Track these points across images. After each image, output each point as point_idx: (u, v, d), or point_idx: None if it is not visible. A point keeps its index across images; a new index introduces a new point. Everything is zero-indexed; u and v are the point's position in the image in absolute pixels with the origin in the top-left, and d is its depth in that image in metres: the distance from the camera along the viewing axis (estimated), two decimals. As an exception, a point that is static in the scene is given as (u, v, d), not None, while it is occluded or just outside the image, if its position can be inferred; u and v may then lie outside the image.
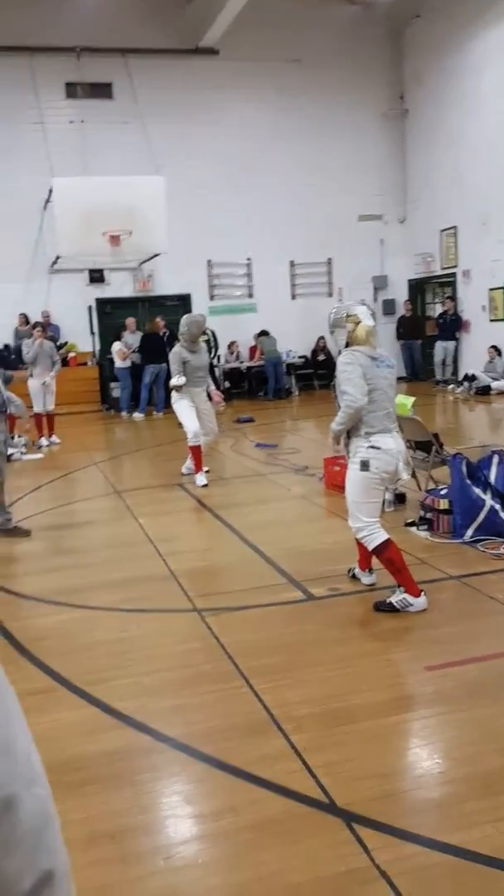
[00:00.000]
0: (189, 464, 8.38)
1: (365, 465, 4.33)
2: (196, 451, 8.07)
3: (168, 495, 7.85)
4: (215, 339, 15.59)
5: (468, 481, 5.65)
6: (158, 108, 15.93)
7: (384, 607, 4.35)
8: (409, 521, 6.06)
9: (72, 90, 15.84)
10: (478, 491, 5.63)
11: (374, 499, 4.44)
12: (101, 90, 16.04)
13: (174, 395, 8.15)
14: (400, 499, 6.69)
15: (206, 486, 7.88)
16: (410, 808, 2.63)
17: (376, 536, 4.38)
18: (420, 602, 4.31)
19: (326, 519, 6.62)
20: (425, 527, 5.85)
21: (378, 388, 4.34)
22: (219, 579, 5.18)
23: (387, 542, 4.37)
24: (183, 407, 8.09)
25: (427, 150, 17.25)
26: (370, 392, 4.29)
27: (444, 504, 5.77)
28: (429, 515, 5.87)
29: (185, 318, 8.18)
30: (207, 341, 15.37)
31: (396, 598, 4.33)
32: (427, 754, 2.99)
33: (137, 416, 14.61)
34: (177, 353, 7.98)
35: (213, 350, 15.54)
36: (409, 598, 4.31)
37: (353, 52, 17.41)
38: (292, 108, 17.09)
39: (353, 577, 4.93)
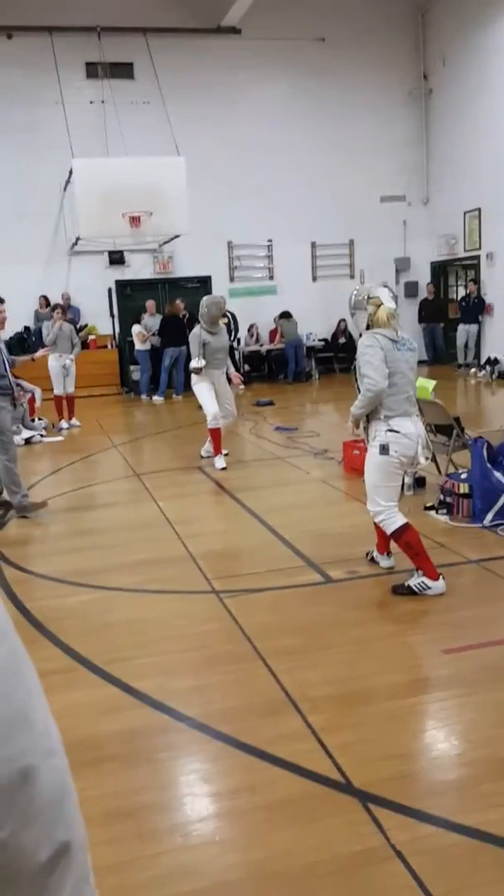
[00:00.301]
0: (208, 446, 8.40)
1: (384, 449, 4.29)
2: (215, 434, 8.08)
3: (187, 478, 7.87)
4: (235, 322, 15.56)
5: (489, 465, 5.62)
6: (180, 89, 15.83)
7: (402, 590, 4.34)
8: (429, 504, 6.03)
9: (92, 70, 15.76)
10: (498, 475, 5.59)
11: (392, 482, 4.41)
12: (121, 70, 15.95)
13: (194, 377, 8.15)
14: (420, 483, 6.66)
15: (224, 468, 7.90)
16: (427, 790, 2.63)
17: (395, 520, 4.36)
18: (438, 585, 4.30)
19: (345, 502, 6.61)
20: (445, 511, 5.82)
21: (398, 371, 4.30)
22: (237, 561, 5.19)
23: (405, 526, 4.36)
24: (202, 389, 8.10)
25: (451, 131, 17.03)
26: (390, 375, 4.26)
27: (464, 488, 5.74)
28: (448, 499, 5.85)
29: (205, 300, 8.16)
30: (227, 324, 15.39)
31: (415, 582, 4.33)
32: (444, 736, 2.99)
33: (157, 398, 14.65)
34: (197, 335, 7.98)
35: (232, 332, 15.51)
36: (428, 582, 4.30)
37: (378, 30, 17.18)
38: (315, 87, 16.93)
39: (372, 560, 4.93)
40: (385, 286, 4.64)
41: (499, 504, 5.55)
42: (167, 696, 3.35)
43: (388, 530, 4.41)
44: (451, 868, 2.24)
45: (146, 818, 2.56)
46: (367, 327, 4.44)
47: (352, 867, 2.27)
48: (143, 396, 15.02)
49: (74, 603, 4.58)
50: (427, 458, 4.74)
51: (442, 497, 5.92)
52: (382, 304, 4.40)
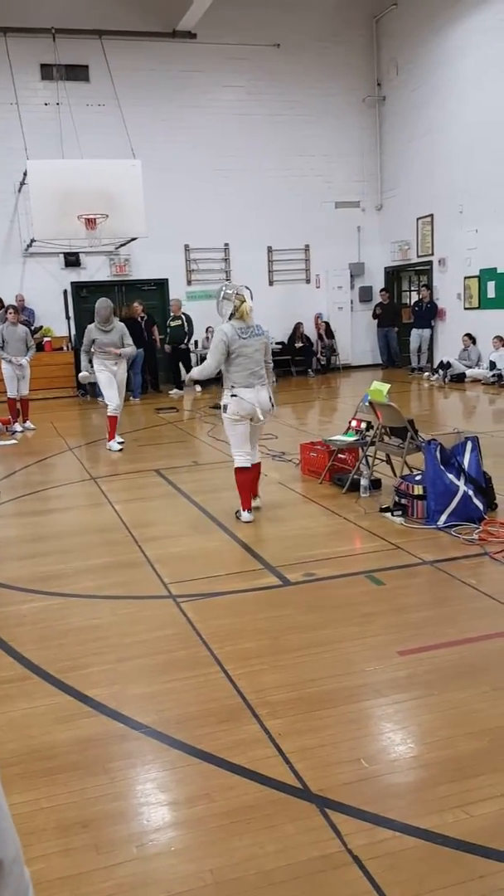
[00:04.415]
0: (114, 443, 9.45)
1: (225, 409, 5.95)
2: (114, 421, 9.52)
3: (144, 481, 7.82)
4: (190, 324, 15.51)
5: (442, 467, 5.68)
6: (136, 92, 15.76)
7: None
8: (385, 506, 6.08)
9: (47, 72, 15.61)
10: (451, 477, 5.65)
11: (235, 432, 5.99)
12: (77, 72, 15.83)
13: (95, 369, 9.36)
14: (375, 484, 6.71)
15: (121, 450, 9.31)
16: (384, 793, 2.63)
17: (236, 462, 6.06)
18: (245, 515, 5.98)
19: (303, 504, 6.62)
20: (400, 512, 5.87)
21: (243, 354, 5.81)
22: (195, 565, 5.16)
23: (238, 469, 6.03)
24: (105, 379, 9.43)
25: (403, 138, 17.24)
26: (237, 357, 5.80)
27: (418, 490, 5.79)
28: (403, 501, 5.89)
29: (98, 302, 9.44)
30: (181, 325, 15.39)
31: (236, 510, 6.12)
32: (400, 739, 3.00)
33: (104, 401, 14.51)
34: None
35: (187, 335, 15.48)
36: (240, 511, 6.01)
37: (333, 37, 17.34)
38: (271, 92, 17.01)
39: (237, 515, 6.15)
40: (246, 288, 6.20)
41: (452, 505, 5.61)
42: (123, 703, 3.32)
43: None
44: (408, 872, 2.24)
45: (102, 828, 2.53)
46: (231, 315, 5.85)
47: (309, 873, 2.26)
48: (100, 399, 14.84)
49: (28, 610, 4.51)
50: (263, 417, 6.03)
51: (397, 499, 5.96)
52: (245, 300, 5.86)
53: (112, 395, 9.38)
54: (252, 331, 5.88)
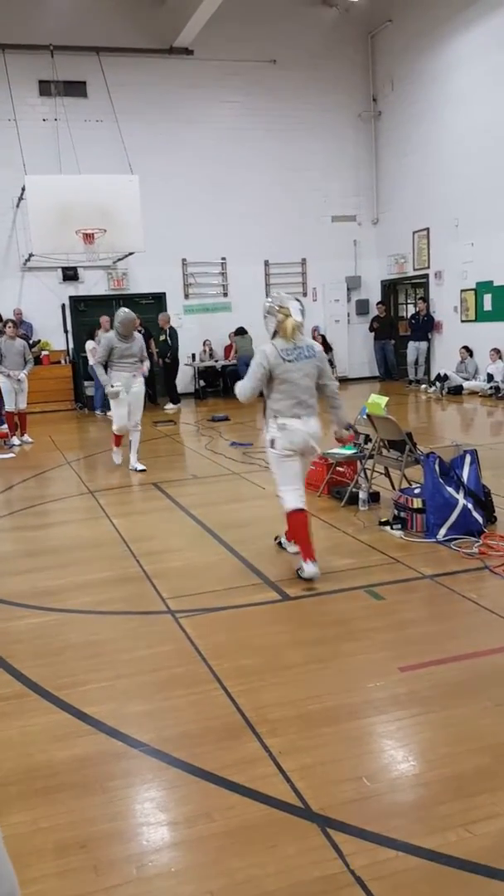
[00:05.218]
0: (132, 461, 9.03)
1: (272, 444, 4.95)
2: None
3: (142, 495, 7.80)
4: (174, 338, 15.41)
5: (441, 480, 5.66)
6: (133, 107, 15.85)
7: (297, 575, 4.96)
8: (384, 520, 6.05)
9: (45, 88, 15.69)
10: (451, 490, 5.64)
11: (284, 470, 4.96)
12: (75, 88, 15.92)
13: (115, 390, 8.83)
14: (374, 498, 6.70)
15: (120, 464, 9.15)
16: (386, 812, 2.60)
17: (286, 502, 4.97)
18: (309, 569, 4.85)
19: (301, 519, 6.59)
20: (399, 526, 5.85)
21: (288, 380, 4.84)
22: (193, 580, 5.13)
23: (292, 511, 4.94)
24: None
25: (399, 153, 17.33)
26: (280, 383, 4.84)
27: (417, 503, 5.78)
28: (403, 514, 5.88)
29: (121, 314, 8.74)
30: (166, 340, 15.33)
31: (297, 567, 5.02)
32: (402, 756, 2.97)
33: (111, 414, 14.49)
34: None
35: (171, 350, 15.42)
36: (301, 564, 4.92)
37: (329, 53, 17.47)
38: (267, 108, 17.10)
39: (279, 544, 5.52)
40: (297, 300, 5.04)
41: (451, 519, 5.59)
42: (121, 721, 3.29)
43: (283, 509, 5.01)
44: (411, 892, 2.21)
45: (101, 849, 2.49)
46: (274, 333, 4.92)
47: (311, 895, 2.23)
48: (98, 412, 14.87)
49: (25, 626, 4.48)
50: (315, 452, 5.13)
51: (396, 512, 5.95)
52: (290, 315, 4.85)
53: (121, 415, 8.86)
54: (300, 352, 4.85)
